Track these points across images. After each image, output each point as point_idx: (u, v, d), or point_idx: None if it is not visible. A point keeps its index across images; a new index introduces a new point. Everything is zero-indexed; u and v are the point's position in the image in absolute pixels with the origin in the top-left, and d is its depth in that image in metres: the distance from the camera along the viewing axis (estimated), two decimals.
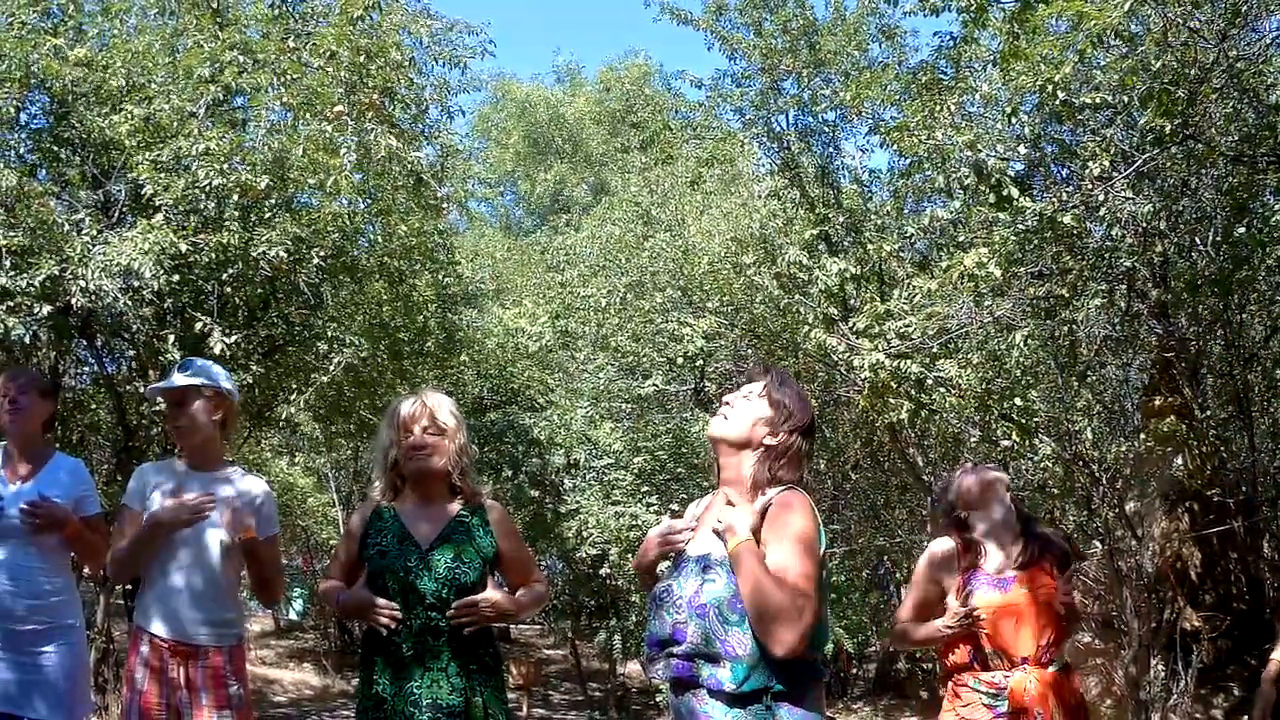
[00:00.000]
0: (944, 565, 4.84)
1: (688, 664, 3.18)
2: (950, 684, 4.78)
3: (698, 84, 13.83)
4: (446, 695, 3.86)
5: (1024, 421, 8.97)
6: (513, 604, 4.13)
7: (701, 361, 13.41)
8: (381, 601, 3.91)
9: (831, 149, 13.06)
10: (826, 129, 13.05)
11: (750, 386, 3.45)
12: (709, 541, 3.29)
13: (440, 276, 13.83)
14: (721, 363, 13.33)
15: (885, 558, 13.68)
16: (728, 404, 3.43)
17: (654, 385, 13.78)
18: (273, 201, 9.49)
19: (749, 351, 12.95)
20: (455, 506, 4.16)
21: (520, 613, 4.25)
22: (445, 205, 12.81)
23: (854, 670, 16.08)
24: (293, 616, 22.76)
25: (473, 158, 23.28)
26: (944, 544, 4.90)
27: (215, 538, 4.51)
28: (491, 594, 4.03)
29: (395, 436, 4.13)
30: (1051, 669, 4.55)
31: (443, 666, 3.89)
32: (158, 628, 4.43)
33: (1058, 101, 7.07)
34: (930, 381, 8.64)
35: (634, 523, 13.10)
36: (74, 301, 8.55)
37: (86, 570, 6.54)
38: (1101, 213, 8.08)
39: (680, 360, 12.90)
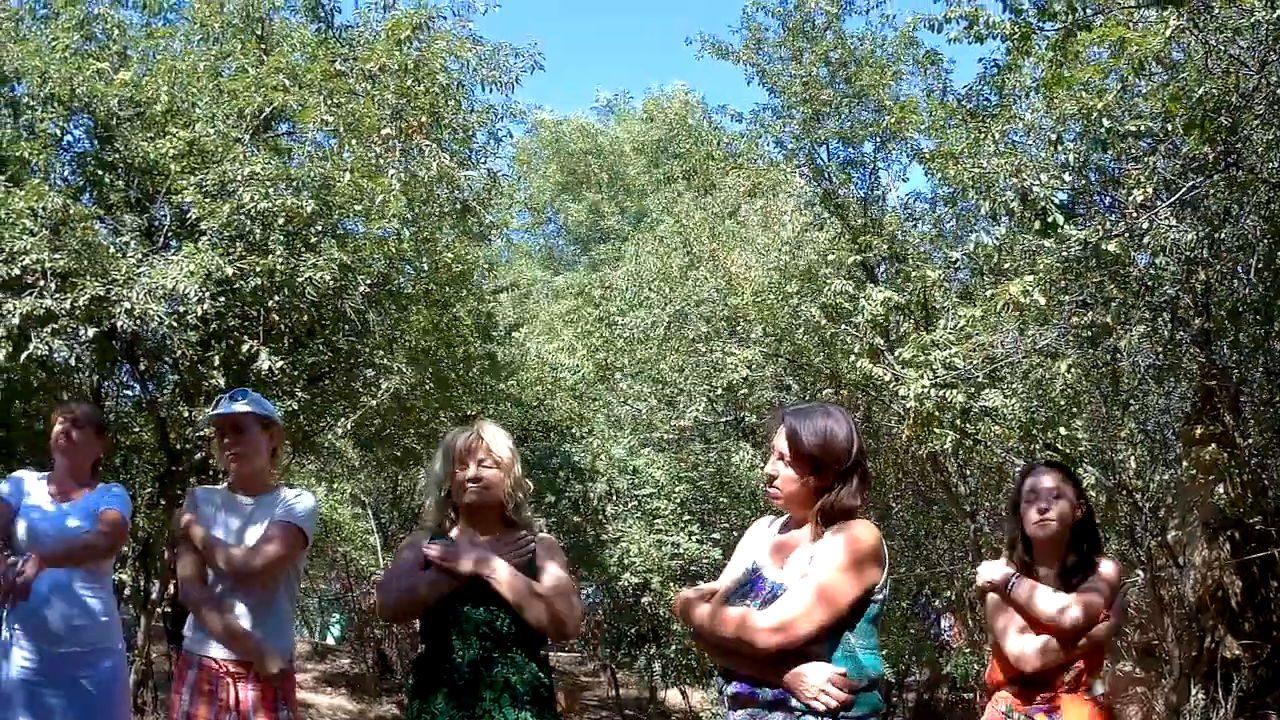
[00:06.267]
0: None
1: (748, 684, 3.36)
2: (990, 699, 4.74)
3: (738, 118, 13.92)
4: None
5: (1067, 451, 8.95)
6: (522, 583, 3.98)
7: (745, 391, 13.41)
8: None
9: (872, 178, 13.10)
10: (866, 160, 13.10)
11: (778, 443, 3.53)
12: (784, 571, 3.46)
13: (482, 307, 13.86)
14: (763, 393, 13.34)
15: (927, 587, 13.62)
16: (773, 475, 3.55)
17: (694, 415, 13.80)
18: (319, 228, 9.50)
19: (791, 382, 12.96)
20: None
21: (528, 599, 3.96)
22: (491, 233, 12.83)
23: (894, 699, 15.98)
24: (330, 641, 22.80)
25: (515, 187, 23.31)
26: (992, 570, 4.70)
27: None
28: (493, 562, 4.00)
29: (450, 469, 4.13)
30: (1087, 695, 4.50)
31: (495, 697, 3.88)
32: (216, 649, 4.49)
33: (1102, 129, 7.07)
34: (975, 411, 8.62)
35: (676, 551, 13.10)
36: (118, 324, 8.59)
37: (127, 592, 6.63)
38: (1145, 241, 8.06)
39: (721, 390, 12.93)
